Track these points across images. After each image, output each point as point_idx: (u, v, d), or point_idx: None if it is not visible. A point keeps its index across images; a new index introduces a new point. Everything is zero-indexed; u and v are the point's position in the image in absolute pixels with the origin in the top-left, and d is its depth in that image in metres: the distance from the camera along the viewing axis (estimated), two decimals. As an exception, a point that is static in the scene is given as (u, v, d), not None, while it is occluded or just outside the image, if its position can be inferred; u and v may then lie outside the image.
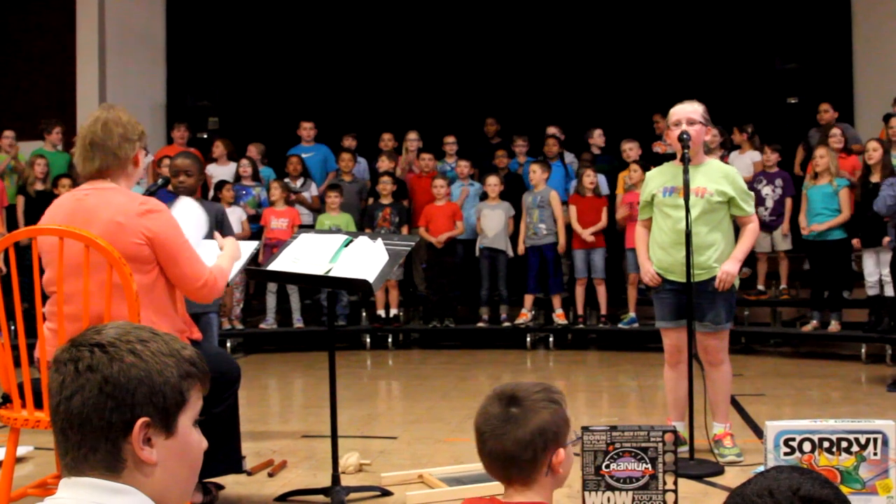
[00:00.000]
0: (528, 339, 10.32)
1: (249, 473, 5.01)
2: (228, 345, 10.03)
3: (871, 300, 8.93)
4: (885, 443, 4.34)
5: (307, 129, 11.71)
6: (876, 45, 11.95)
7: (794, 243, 9.84)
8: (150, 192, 5.10)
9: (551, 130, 11.45)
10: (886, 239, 8.58)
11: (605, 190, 10.47)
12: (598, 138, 11.34)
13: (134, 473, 1.64)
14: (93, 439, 1.63)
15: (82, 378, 1.63)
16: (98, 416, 1.62)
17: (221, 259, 4.02)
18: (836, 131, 9.69)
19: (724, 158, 8.87)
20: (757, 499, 1.60)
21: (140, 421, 1.63)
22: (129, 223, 3.59)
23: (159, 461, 1.66)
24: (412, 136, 11.57)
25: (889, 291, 8.53)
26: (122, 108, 3.85)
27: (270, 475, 5.05)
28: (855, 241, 8.85)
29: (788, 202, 9.83)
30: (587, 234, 10.05)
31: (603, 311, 10.26)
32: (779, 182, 9.86)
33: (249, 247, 4.51)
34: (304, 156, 11.45)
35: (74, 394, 1.63)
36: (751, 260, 9.78)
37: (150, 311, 3.61)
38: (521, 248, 10.26)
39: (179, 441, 1.70)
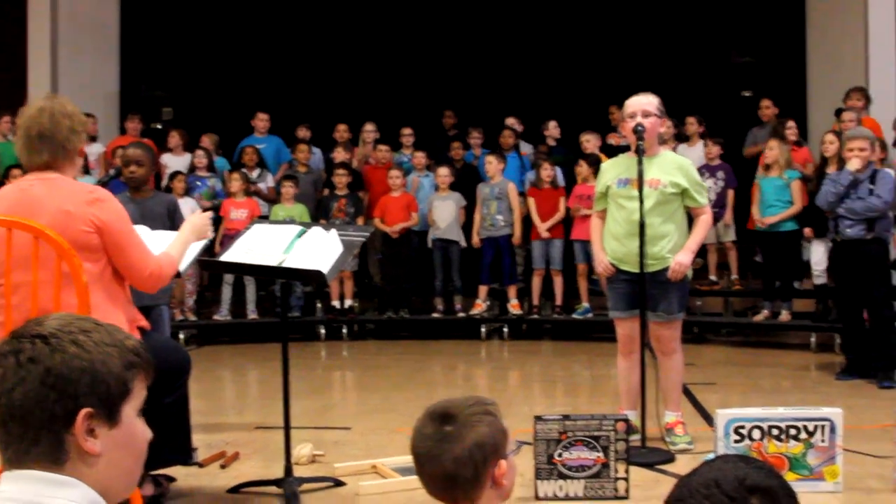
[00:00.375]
0: (483, 329, 10.34)
1: (201, 465, 4.98)
2: (182, 336, 9.95)
3: (820, 290, 9.04)
4: (833, 430, 4.41)
5: (263, 121, 11.63)
6: (829, 40, 12.07)
7: (743, 234, 9.95)
8: (102, 184, 5.06)
9: (510, 121, 11.47)
10: (808, 230, 8.79)
11: (561, 181, 10.50)
12: (553, 130, 11.38)
13: (77, 465, 1.63)
14: (35, 431, 1.61)
15: (23, 370, 1.61)
16: (40, 407, 1.60)
17: (171, 246, 3.98)
18: (791, 123, 9.82)
19: (675, 150, 8.94)
20: (703, 489, 1.61)
21: (83, 412, 1.62)
22: (78, 211, 3.56)
23: (103, 452, 1.64)
24: (369, 127, 11.53)
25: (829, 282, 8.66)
26: (66, 98, 3.81)
27: (223, 467, 5.02)
28: (807, 231, 8.93)
29: (731, 193, 9.97)
30: (543, 228, 10.08)
31: (558, 301, 10.30)
32: (721, 174, 9.97)
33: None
34: (257, 147, 11.38)
35: (16, 386, 1.61)
36: (700, 251, 9.86)
37: (99, 300, 3.57)
38: (475, 241, 10.26)
39: (123, 431, 1.68)
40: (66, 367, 1.62)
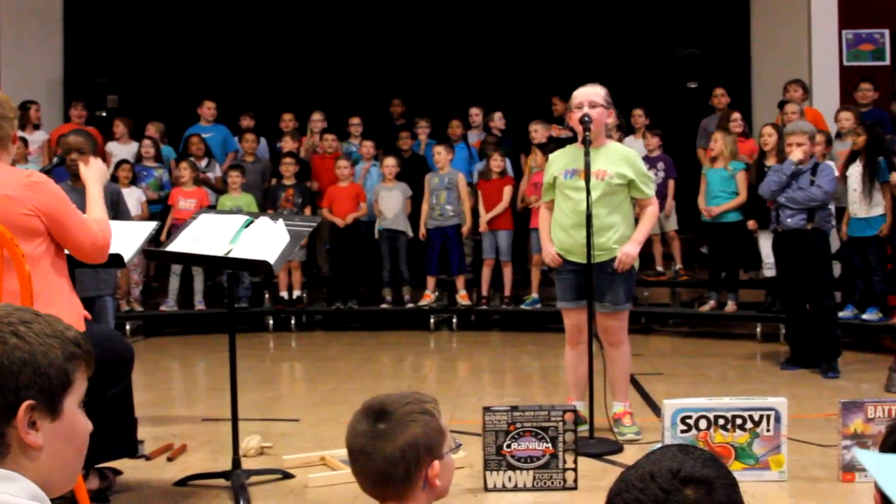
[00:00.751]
0: (432, 320, 10.35)
1: (148, 458, 4.93)
2: (127, 327, 9.85)
3: (768, 281, 9.15)
4: (778, 419, 4.46)
5: (209, 109, 11.51)
6: (773, 33, 12.21)
7: (689, 225, 10.04)
8: (45, 172, 4.97)
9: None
10: (752, 222, 8.92)
11: (510, 172, 10.50)
12: (498, 121, 11.37)
13: (19, 458, 1.60)
14: None
15: None
16: None
17: (92, 210, 3.97)
18: (736, 115, 9.92)
19: (621, 141, 8.99)
20: (639, 483, 1.62)
21: (25, 404, 1.59)
22: (18, 195, 3.53)
23: (45, 445, 1.62)
24: (316, 116, 11.46)
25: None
26: None
27: (170, 459, 4.97)
28: (750, 223, 9.05)
29: (671, 184, 10.13)
30: (484, 221, 10.11)
31: (507, 292, 10.32)
32: (661, 165, 10.10)
33: (147, 227, 4.43)
34: (203, 136, 11.27)
35: None
36: (647, 242, 9.94)
37: (41, 286, 3.53)
38: (422, 232, 10.24)
39: (65, 424, 1.66)
40: (7, 358, 1.59)
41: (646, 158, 9.91)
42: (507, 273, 10.28)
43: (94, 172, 4.13)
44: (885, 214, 8.31)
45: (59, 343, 1.66)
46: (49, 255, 3.65)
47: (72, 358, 1.67)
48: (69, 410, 1.67)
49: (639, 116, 10.77)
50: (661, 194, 9.83)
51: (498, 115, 11.40)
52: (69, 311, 3.65)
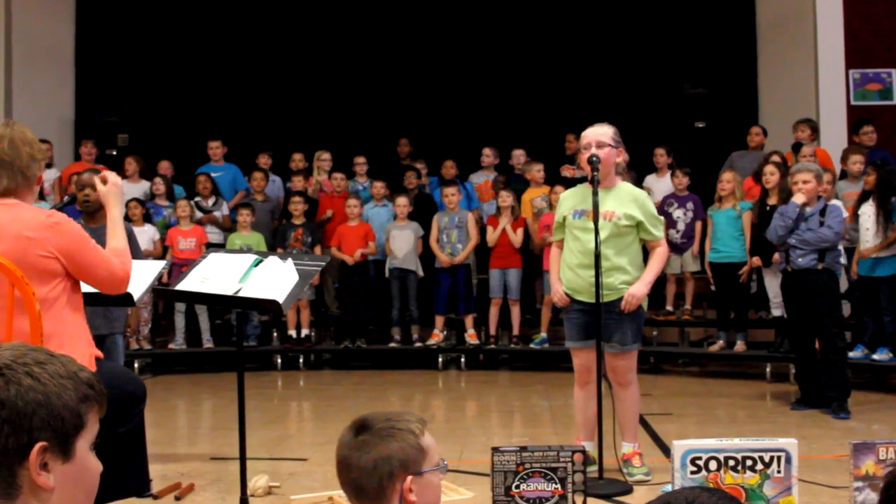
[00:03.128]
0: (440, 359, 10.33)
1: (156, 497, 4.91)
2: (136, 365, 9.84)
3: (777, 320, 9.11)
4: (788, 461, 4.43)
5: (214, 149, 11.57)
6: (780, 73, 12.28)
7: (700, 265, 10.01)
8: (57, 210, 5.00)
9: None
10: (756, 259, 8.84)
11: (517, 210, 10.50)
12: (519, 157, 11.41)
13: (29, 499, 1.59)
14: None
15: None
16: None
17: (114, 240, 3.94)
18: (776, 157, 9.88)
19: (627, 175, 9.01)
20: None
21: (38, 446, 1.59)
22: (39, 237, 3.54)
23: (56, 486, 1.61)
24: (324, 155, 11.50)
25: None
26: (24, 125, 3.78)
27: (177, 498, 4.95)
28: (755, 259, 8.98)
29: (699, 225, 10.02)
30: (504, 225, 10.05)
31: (515, 331, 10.30)
32: (690, 205, 10.04)
33: (157, 266, 4.44)
34: (213, 175, 11.33)
35: None
36: (660, 281, 9.93)
37: (54, 328, 3.54)
38: (445, 260, 10.19)
39: (77, 465, 1.65)
40: (22, 399, 1.59)
41: (674, 196, 9.97)
42: (516, 312, 10.27)
43: (113, 192, 4.07)
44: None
45: (73, 384, 1.66)
46: (65, 294, 3.66)
47: (85, 399, 1.67)
48: (81, 452, 1.66)
49: (660, 156, 10.79)
50: (688, 234, 9.88)
51: (519, 153, 11.43)
52: (82, 352, 3.66)
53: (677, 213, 9.99)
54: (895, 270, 8.34)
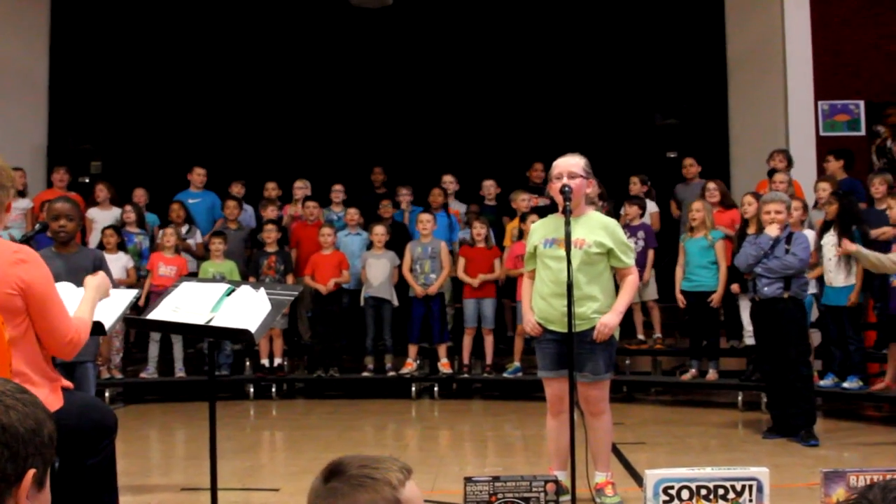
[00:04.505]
0: (413, 388, 10.30)
1: (125, 528, 4.87)
2: (107, 394, 9.75)
3: (748, 349, 9.17)
4: (760, 489, 4.46)
5: (199, 175, 11.56)
6: (750, 104, 12.42)
7: (668, 294, 10.03)
8: (27, 238, 4.98)
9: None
10: (735, 286, 8.90)
11: (491, 239, 10.54)
12: (489, 189, 11.44)
13: None
14: None
15: None
16: None
17: (82, 308, 3.89)
18: (711, 185, 10.01)
19: (602, 210, 9.07)
20: None
21: (31, 472, 1.59)
22: (3, 272, 3.48)
23: None
24: (299, 184, 11.51)
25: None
26: None
27: (147, 530, 4.92)
28: (734, 287, 9.03)
29: (651, 253, 10.13)
30: (476, 281, 10.11)
31: (489, 360, 10.30)
32: (641, 234, 10.14)
33: (128, 295, 4.42)
34: (191, 201, 11.31)
35: None
36: (627, 311, 9.97)
37: (20, 363, 3.49)
38: (419, 290, 10.19)
39: (44, 496, 1.66)
40: (21, 425, 1.60)
41: (626, 227, 10.03)
42: (489, 341, 10.28)
43: (97, 281, 4.06)
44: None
45: (48, 415, 1.67)
46: (28, 336, 3.60)
47: (55, 430, 1.68)
48: (47, 483, 1.68)
49: (634, 184, 10.88)
50: (640, 263, 9.91)
51: (489, 183, 11.46)
52: (49, 393, 3.62)
53: (629, 243, 10.05)
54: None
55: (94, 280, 4.07)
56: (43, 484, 1.65)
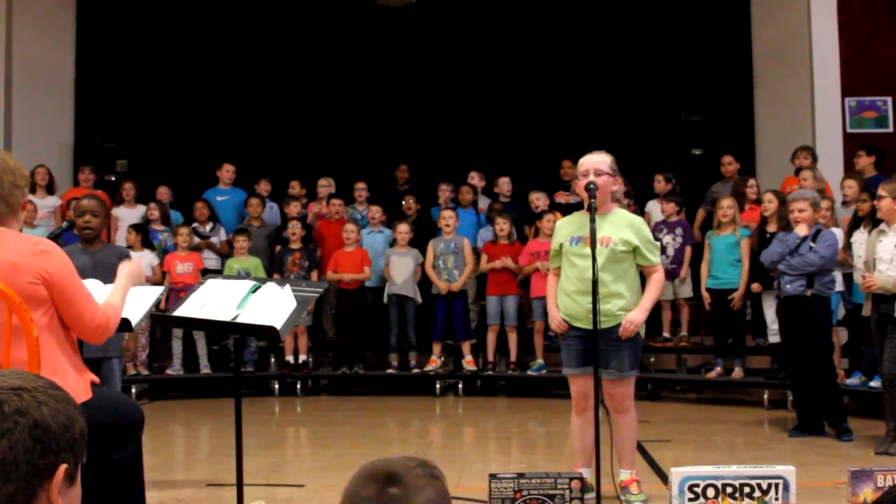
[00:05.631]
0: (438, 385, 10.31)
1: (152, 523, 4.90)
2: (133, 391, 9.81)
3: (774, 347, 9.12)
4: (786, 488, 4.43)
5: (228, 172, 11.63)
6: (776, 100, 12.33)
7: (696, 291, 10.00)
8: (54, 235, 5.01)
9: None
10: (756, 285, 8.82)
11: (514, 236, 10.52)
12: (503, 186, 11.40)
13: None
14: (13, 485, 1.57)
15: (9, 421, 1.58)
16: (26, 461, 1.57)
17: (113, 294, 3.95)
18: (752, 182, 9.96)
19: (629, 208, 9.03)
20: None
21: (63, 467, 1.60)
22: (25, 263, 3.54)
23: None
24: (323, 181, 11.53)
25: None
26: (8, 153, 3.80)
27: (173, 525, 4.94)
28: (754, 286, 9.00)
29: (688, 250, 10.08)
30: (499, 264, 10.06)
31: (513, 357, 10.29)
32: (679, 231, 10.09)
33: (155, 292, 4.44)
34: (219, 199, 11.38)
35: (0, 437, 1.57)
36: (655, 307, 9.91)
37: (49, 352, 3.53)
38: (443, 287, 10.20)
39: (75, 491, 1.67)
40: (54, 420, 1.61)
41: (664, 223, 10.00)
42: (513, 338, 10.26)
43: (130, 268, 4.11)
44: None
45: (78, 410, 1.68)
46: (54, 324, 3.65)
47: (85, 426, 1.69)
48: (78, 478, 1.69)
49: (658, 181, 10.83)
50: (677, 260, 9.90)
51: (504, 181, 11.44)
52: (75, 383, 3.65)
53: (667, 239, 10.03)
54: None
55: (128, 267, 4.12)
56: (74, 479, 1.66)
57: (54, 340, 3.63)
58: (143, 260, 9.58)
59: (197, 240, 10.71)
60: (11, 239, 3.61)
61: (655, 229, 10.01)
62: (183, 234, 10.37)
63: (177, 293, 9.27)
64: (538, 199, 10.47)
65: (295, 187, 11.62)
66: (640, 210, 9.97)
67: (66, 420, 1.63)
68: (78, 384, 3.66)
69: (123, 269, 4.11)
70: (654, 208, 10.79)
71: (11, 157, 3.77)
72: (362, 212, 11.31)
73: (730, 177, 10.75)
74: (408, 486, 2.03)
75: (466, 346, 10.34)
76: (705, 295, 9.42)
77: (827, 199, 8.69)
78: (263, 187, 11.62)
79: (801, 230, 7.35)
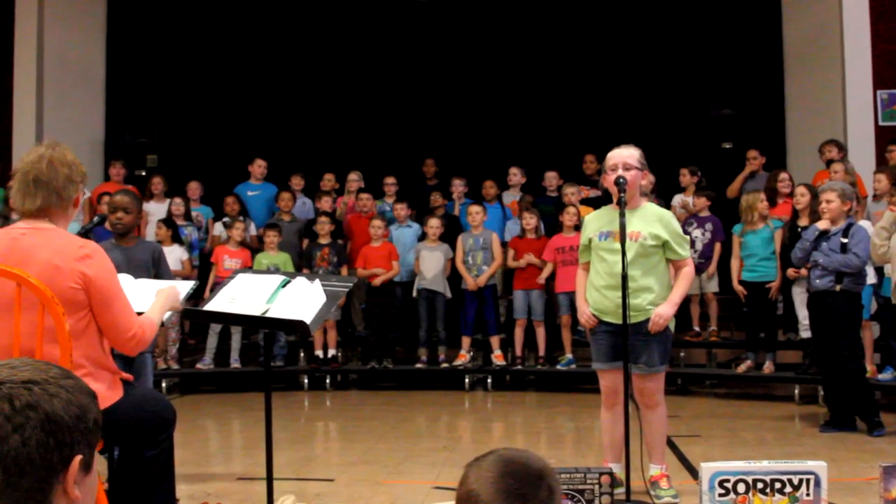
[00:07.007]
0: (467, 380, 10.31)
1: (183, 517, 4.93)
2: (164, 385, 9.89)
3: (805, 342, 9.06)
4: (818, 483, 4.40)
5: (260, 167, 11.69)
6: (807, 93, 12.24)
7: (725, 285, 9.94)
8: (85, 230, 5.05)
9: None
10: (791, 271, 8.69)
11: (542, 230, 10.48)
12: (551, 180, 11.32)
13: None
14: (29, 480, 1.58)
15: (21, 416, 1.58)
16: (41, 455, 1.58)
17: (152, 310, 3.96)
18: (784, 175, 9.89)
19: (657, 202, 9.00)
20: None
21: (77, 458, 1.61)
22: (67, 266, 3.54)
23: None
24: (353, 176, 11.55)
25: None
26: (67, 147, 3.80)
27: (204, 519, 4.97)
28: (789, 272, 8.88)
29: (717, 246, 10.02)
30: (523, 262, 10.07)
31: (541, 352, 10.27)
32: (709, 226, 10.04)
33: (185, 286, 4.47)
34: (250, 193, 11.44)
35: (12, 433, 1.57)
36: (684, 302, 9.86)
37: (80, 355, 3.55)
38: (471, 283, 10.21)
39: (92, 478, 1.69)
40: (66, 412, 1.61)
41: (694, 217, 9.96)
42: (541, 333, 10.24)
43: (169, 292, 4.13)
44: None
45: (92, 398, 1.69)
46: (93, 328, 3.65)
47: (99, 412, 1.71)
48: (94, 466, 1.70)
49: (684, 175, 10.78)
50: (706, 254, 9.85)
51: (552, 175, 11.31)
52: (107, 389, 3.68)
53: (696, 234, 9.98)
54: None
55: (167, 290, 4.12)
56: (90, 468, 1.66)
57: (88, 346, 3.63)
58: (173, 255, 9.64)
59: (225, 235, 10.75)
60: (58, 240, 3.61)
61: (686, 223, 9.97)
62: (238, 227, 10.47)
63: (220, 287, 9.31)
64: (572, 194, 10.43)
65: (327, 181, 11.63)
66: (664, 204, 9.91)
67: (78, 410, 1.63)
68: (107, 391, 3.67)
69: (163, 292, 4.11)
70: (679, 202, 10.73)
71: (70, 152, 3.78)
72: (391, 205, 11.32)
73: (755, 170, 10.69)
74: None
75: (496, 341, 10.34)
76: (739, 289, 9.35)
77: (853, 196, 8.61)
78: (296, 182, 11.66)
79: (822, 224, 7.30)
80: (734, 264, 9.44)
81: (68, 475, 1.60)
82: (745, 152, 11.01)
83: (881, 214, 8.64)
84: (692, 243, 9.81)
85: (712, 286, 10.08)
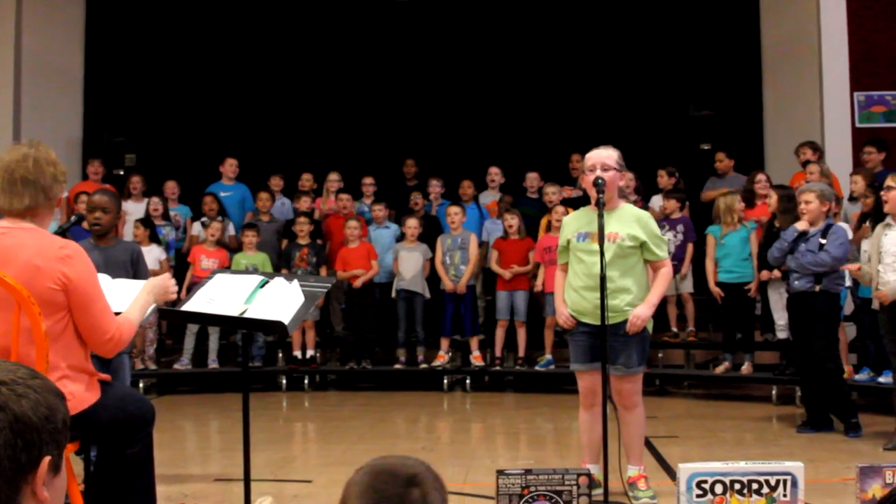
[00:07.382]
0: (445, 380, 10.31)
1: (160, 518, 4.89)
2: (141, 385, 9.83)
3: (782, 343, 9.10)
4: (795, 484, 4.42)
5: (231, 167, 11.62)
6: (785, 95, 12.31)
7: (702, 286, 9.97)
8: (63, 230, 5.02)
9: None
10: (765, 273, 8.76)
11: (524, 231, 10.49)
12: (532, 182, 11.31)
13: None
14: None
15: None
16: (9, 457, 1.56)
17: (130, 310, 3.93)
18: (761, 177, 9.93)
19: (637, 203, 9.01)
20: None
21: (46, 460, 1.60)
22: (47, 266, 3.52)
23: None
24: (332, 176, 11.51)
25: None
26: (48, 146, 3.79)
27: (181, 520, 4.95)
28: (763, 273, 8.93)
29: (690, 247, 10.05)
30: (508, 274, 10.09)
31: (521, 353, 10.27)
32: (680, 227, 10.06)
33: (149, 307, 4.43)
34: (222, 194, 11.35)
35: None
36: (661, 303, 9.89)
37: (58, 357, 3.53)
38: (449, 285, 10.22)
39: (61, 479, 1.67)
40: (34, 413, 1.60)
41: (666, 219, 9.97)
42: (522, 334, 10.25)
43: (157, 284, 4.08)
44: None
45: (61, 398, 1.67)
46: (71, 329, 3.63)
47: (67, 413, 1.69)
48: (63, 468, 1.68)
49: (661, 177, 10.81)
50: (679, 256, 9.87)
51: (533, 176, 11.28)
52: (85, 390, 3.66)
53: (668, 236, 9.98)
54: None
55: (152, 283, 4.09)
56: (59, 468, 1.65)
57: (66, 347, 3.61)
58: (151, 255, 9.59)
59: (203, 235, 10.72)
60: (39, 240, 3.60)
61: (657, 225, 9.97)
62: (214, 228, 10.43)
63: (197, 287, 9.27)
64: (553, 194, 10.43)
65: (305, 181, 11.59)
66: (645, 206, 9.94)
67: (47, 411, 1.61)
68: (84, 392, 3.66)
69: (147, 285, 4.08)
70: (658, 203, 10.76)
71: (52, 151, 3.77)
72: (370, 206, 11.30)
73: (723, 171, 10.75)
74: (425, 489, 2.00)
75: (474, 342, 10.34)
76: (717, 290, 9.38)
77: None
78: (275, 182, 11.62)
79: (801, 225, 7.34)
80: (709, 266, 9.47)
81: (37, 476, 1.58)
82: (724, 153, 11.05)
83: (858, 216, 8.72)
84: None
85: (686, 286, 10.12)
